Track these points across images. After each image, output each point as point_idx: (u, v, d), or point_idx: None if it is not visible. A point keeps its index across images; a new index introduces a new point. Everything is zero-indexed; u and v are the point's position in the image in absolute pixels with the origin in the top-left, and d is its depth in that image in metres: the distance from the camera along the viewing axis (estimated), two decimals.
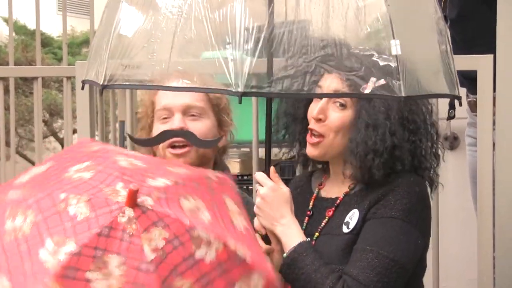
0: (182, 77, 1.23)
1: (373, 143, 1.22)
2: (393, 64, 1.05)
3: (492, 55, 1.68)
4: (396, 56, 1.04)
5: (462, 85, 2.12)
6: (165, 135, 1.29)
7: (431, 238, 1.41)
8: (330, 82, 1.18)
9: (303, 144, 1.31)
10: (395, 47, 1.04)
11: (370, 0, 1.12)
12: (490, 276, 1.66)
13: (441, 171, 1.45)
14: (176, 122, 1.30)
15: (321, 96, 1.23)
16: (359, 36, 1.13)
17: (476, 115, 2.01)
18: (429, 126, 1.29)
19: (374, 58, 1.08)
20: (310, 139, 1.26)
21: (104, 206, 0.77)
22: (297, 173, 1.68)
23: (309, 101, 1.29)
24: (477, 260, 1.69)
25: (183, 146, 1.30)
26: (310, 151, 1.27)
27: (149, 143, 1.36)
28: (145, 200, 0.78)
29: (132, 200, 0.75)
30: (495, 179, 1.68)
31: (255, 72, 1.04)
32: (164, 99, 1.32)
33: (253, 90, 1.07)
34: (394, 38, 1.04)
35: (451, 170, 2.45)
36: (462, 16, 2.12)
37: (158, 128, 1.33)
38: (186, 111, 1.31)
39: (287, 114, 1.34)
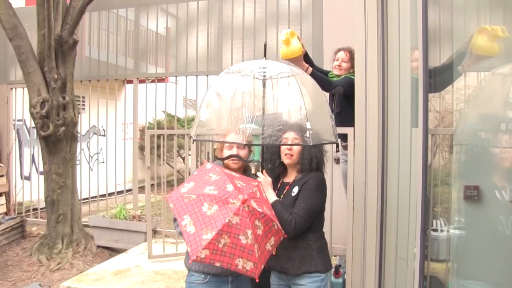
0: (235, 133, 2.38)
1: (309, 157, 2.43)
2: (308, 131, 2.24)
3: (353, 127, 3.29)
4: (309, 128, 2.25)
5: (339, 138, 3.71)
6: (232, 156, 2.48)
7: (328, 211, 2.71)
8: (291, 135, 2.40)
9: (279, 162, 2.55)
10: (308, 124, 2.25)
11: (295, 106, 2.27)
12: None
13: (334, 174, 3.00)
14: (234, 150, 2.50)
15: (282, 145, 2.43)
16: (295, 119, 2.34)
17: (346, 151, 3.62)
18: (323, 155, 2.58)
19: (302, 128, 2.31)
20: (287, 156, 2.45)
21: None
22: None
23: (278, 149, 2.50)
24: (347, 219, 3.24)
25: (238, 161, 2.51)
26: (288, 161, 2.48)
27: (224, 158, 2.48)
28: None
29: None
30: (354, 182, 3.27)
31: (252, 134, 2.35)
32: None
33: (251, 142, 2.39)
34: (308, 121, 2.25)
35: (337, 173, 4.12)
36: (340, 111, 3.76)
37: (227, 152, 2.50)
38: (238, 146, 2.49)
39: (273, 154, 2.57)
